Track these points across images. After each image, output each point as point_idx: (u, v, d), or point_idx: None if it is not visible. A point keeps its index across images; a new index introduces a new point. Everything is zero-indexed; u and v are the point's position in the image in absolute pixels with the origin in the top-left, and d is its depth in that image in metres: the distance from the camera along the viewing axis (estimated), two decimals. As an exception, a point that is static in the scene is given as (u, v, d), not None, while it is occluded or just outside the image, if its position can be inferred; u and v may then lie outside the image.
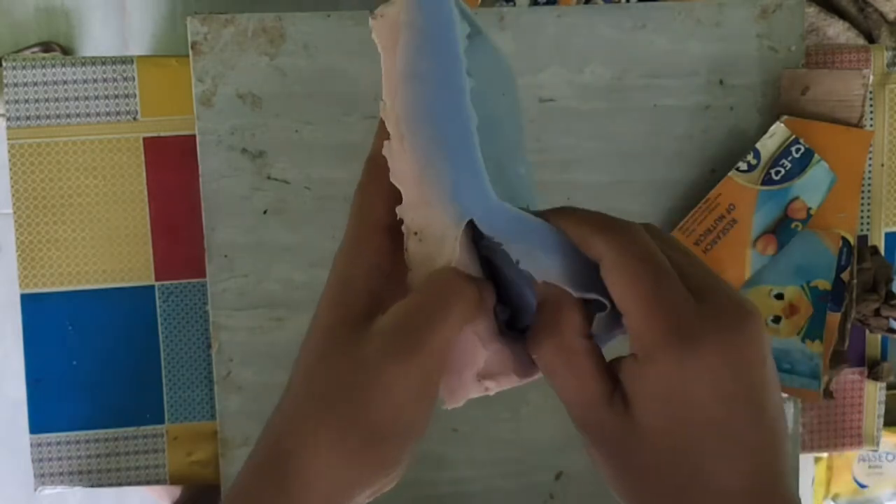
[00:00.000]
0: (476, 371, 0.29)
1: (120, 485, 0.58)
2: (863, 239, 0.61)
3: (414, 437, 0.28)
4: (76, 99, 0.57)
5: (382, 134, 0.30)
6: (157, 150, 0.57)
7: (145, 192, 0.58)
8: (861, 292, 0.58)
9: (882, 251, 0.61)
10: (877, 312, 0.59)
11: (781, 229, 0.56)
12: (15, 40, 1.23)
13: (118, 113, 0.57)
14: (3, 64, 0.57)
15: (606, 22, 0.57)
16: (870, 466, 0.89)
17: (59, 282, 0.57)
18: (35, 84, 0.57)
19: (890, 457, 0.88)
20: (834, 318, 0.57)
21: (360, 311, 0.29)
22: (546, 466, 0.59)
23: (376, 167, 0.30)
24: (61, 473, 0.58)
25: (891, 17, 0.94)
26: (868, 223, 0.62)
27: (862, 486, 0.89)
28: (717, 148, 0.58)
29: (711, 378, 0.25)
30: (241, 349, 0.56)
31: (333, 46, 0.56)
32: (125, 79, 0.57)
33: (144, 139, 0.57)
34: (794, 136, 0.55)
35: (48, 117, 0.57)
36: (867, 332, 0.61)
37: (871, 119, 0.61)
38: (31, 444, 0.58)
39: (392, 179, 0.29)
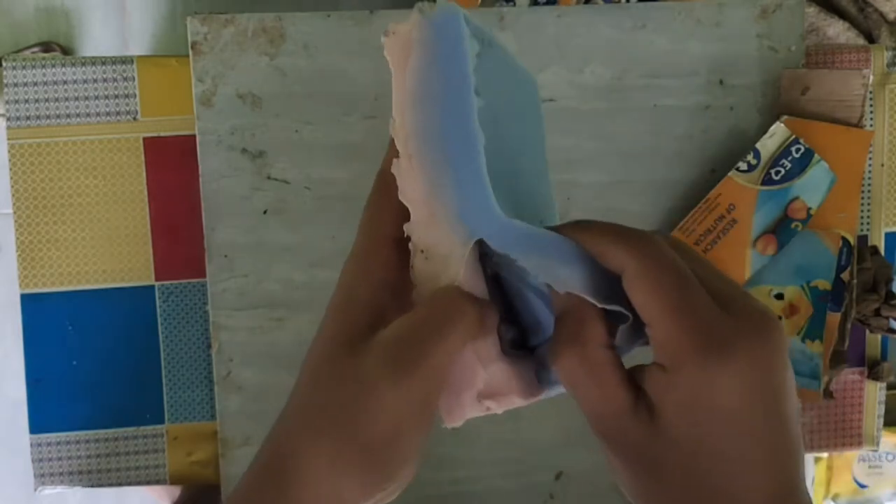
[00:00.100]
0: (475, 391, 0.29)
1: (120, 485, 0.58)
2: (863, 239, 0.61)
3: (412, 454, 0.28)
4: (76, 99, 0.57)
5: (392, 150, 0.30)
6: (157, 150, 0.57)
7: (145, 192, 0.58)
8: (861, 292, 0.58)
9: (882, 251, 0.61)
10: (877, 312, 0.59)
11: (781, 229, 0.56)
12: (15, 40, 1.23)
13: (118, 113, 0.57)
14: (3, 64, 0.57)
15: (606, 22, 0.57)
16: (870, 466, 0.89)
17: (59, 282, 0.57)
18: (35, 84, 0.57)
19: (890, 457, 0.88)
20: (834, 318, 0.57)
21: (363, 325, 0.29)
22: (546, 466, 0.59)
23: (386, 182, 0.30)
24: (61, 473, 0.58)
25: (891, 17, 0.94)
26: (868, 223, 0.62)
27: (862, 486, 0.89)
28: (717, 148, 0.58)
29: (740, 386, 0.25)
30: (241, 349, 0.56)
31: (333, 46, 0.56)
32: (125, 79, 0.57)
33: (144, 139, 0.57)
34: (794, 136, 0.55)
35: (48, 117, 0.57)
36: (867, 332, 0.61)
37: (871, 119, 0.61)
38: (31, 444, 0.58)
39: (400, 197, 0.29)
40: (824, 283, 0.57)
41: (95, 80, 0.57)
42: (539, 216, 0.33)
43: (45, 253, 0.57)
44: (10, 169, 0.57)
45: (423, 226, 0.28)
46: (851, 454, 0.88)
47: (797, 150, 0.55)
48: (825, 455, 0.91)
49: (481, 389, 0.29)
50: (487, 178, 0.28)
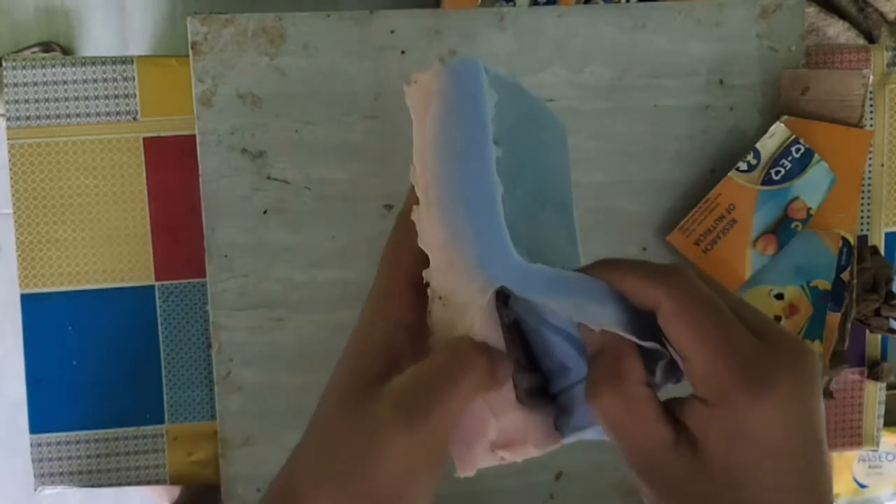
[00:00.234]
0: (488, 441, 0.29)
1: (120, 485, 0.58)
2: (863, 239, 0.61)
3: (421, 502, 0.28)
4: (76, 99, 0.57)
5: (412, 195, 0.30)
6: (157, 150, 0.57)
7: (145, 192, 0.58)
8: (861, 292, 0.58)
9: (882, 251, 0.61)
10: (877, 312, 0.59)
11: (781, 229, 0.56)
12: (15, 40, 1.23)
13: (118, 113, 0.57)
14: (3, 64, 0.57)
15: (606, 22, 0.57)
16: (870, 466, 0.89)
17: (59, 282, 0.57)
18: (35, 84, 0.57)
19: (890, 457, 0.88)
20: (834, 318, 0.57)
21: (377, 368, 0.29)
22: (546, 466, 0.59)
23: (406, 225, 0.30)
24: (61, 473, 0.58)
25: (891, 17, 0.94)
26: (868, 223, 0.62)
27: (862, 486, 0.89)
28: (717, 148, 0.58)
29: (783, 416, 0.26)
30: (241, 349, 0.56)
31: (333, 46, 0.56)
32: (125, 79, 0.57)
33: (144, 139, 0.57)
34: (794, 136, 0.55)
35: (48, 117, 0.57)
36: (867, 332, 0.61)
37: (871, 119, 0.61)
38: (31, 444, 0.58)
39: (420, 244, 0.29)
40: (824, 283, 0.57)
41: (95, 80, 0.57)
42: (563, 259, 0.34)
43: (45, 253, 0.57)
44: (10, 169, 0.57)
45: (442, 273, 0.28)
46: (851, 454, 0.88)
47: (797, 150, 0.55)
48: (825, 455, 0.91)
49: (494, 439, 0.29)
50: (505, 227, 0.28)
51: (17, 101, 0.56)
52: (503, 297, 0.28)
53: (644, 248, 0.58)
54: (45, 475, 0.58)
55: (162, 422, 0.58)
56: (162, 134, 0.57)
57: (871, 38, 0.95)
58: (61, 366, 0.58)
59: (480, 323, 0.28)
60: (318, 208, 0.56)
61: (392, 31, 0.56)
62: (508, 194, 0.29)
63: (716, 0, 0.57)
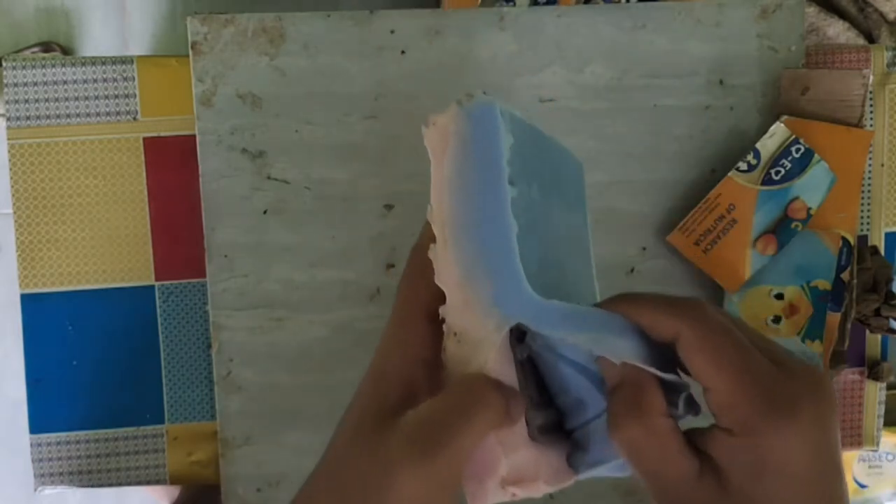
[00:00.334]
0: (499, 478, 0.29)
1: (120, 485, 0.58)
2: (863, 239, 0.61)
3: None
4: (76, 99, 0.57)
5: (428, 230, 0.31)
6: (157, 150, 0.57)
7: (145, 192, 0.58)
8: (861, 292, 0.58)
9: (882, 251, 0.61)
10: (877, 312, 0.59)
11: (781, 229, 0.56)
12: (15, 40, 1.23)
13: (118, 113, 0.57)
14: (3, 64, 0.57)
15: (606, 22, 0.57)
16: (870, 466, 0.89)
17: (59, 282, 0.57)
18: (35, 84, 0.57)
19: (890, 457, 0.88)
20: (834, 318, 0.57)
21: (392, 401, 0.29)
22: (546, 466, 0.59)
23: (421, 258, 0.31)
24: (61, 473, 0.58)
25: (891, 17, 0.94)
26: (868, 223, 0.62)
27: (862, 486, 0.89)
28: (717, 148, 0.58)
29: (807, 444, 0.26)
30: (241, 349, 0.56)
31: (333, 46, 0.56)
32: (125, 79, 0.57)
33: (144, 139, 0.57)
34: (794, 136, 0.55)
35: (48, 117, 0.57)
36: (867, 332, 0.61)
37: (871, 119, 0.61)
38: (31, 444, 0.58)
39: (437, 281, 0.29)
40: (824, 283, 0.57)
41: (95, 80, 0.57)
42: (581, 293, 0.34)
43: (45, 253, 0.57)
44: (10, 169, 0.57)
45: (458, 310, 0.29)
46: (851, 454, 0.88)
47: (797, 150, 0.55)
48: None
49: (505, 476, 0.29)
50: (520, 266, 0.28)
51: (17, 101, 0.56)
52: (519, 335, 0.29)
53: (644, 248, 0.58)
54: (45, 475, 0.58)
55: (162, 422, 0.58)
56: (162, 134, 0.57)
57: (871, 38, 0.95)
58: (61, 366, 0.58)
59: (494, 360, 0.28)
60: (318, 208, 0.56)
61: (392, 31, 0.56)
62: (523, 233, 0.29)
63: (716, 0, 0.57)
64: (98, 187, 0.57)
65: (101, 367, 0.58)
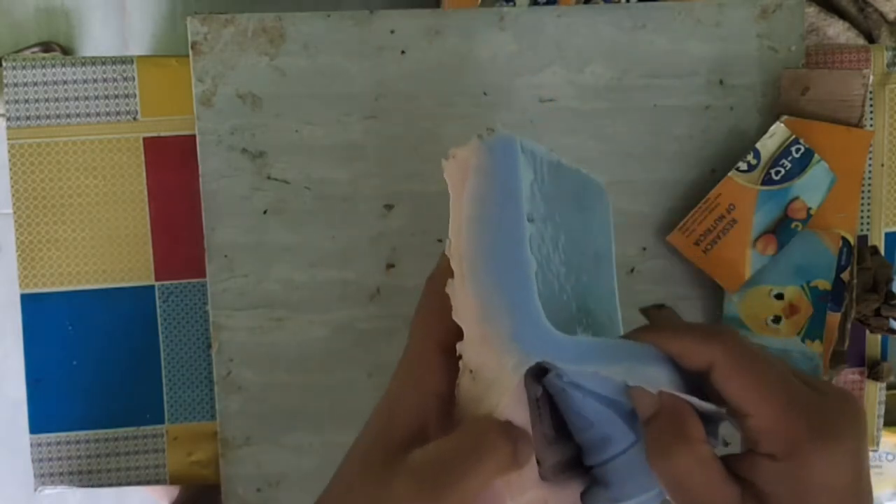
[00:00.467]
0: None
1: (120, 485, 0.58)
2: (863, 239, 0.61)
3: None
4: (76, 99, 0.57)
5: (445, 264, 0.30)
6: (157, 150, 0.57)
7: (145, 192, 0.58)
8: (861, 292, 0.58)
9: (882, 251, 0.61)
10: (877, 312, 0.59)
11: (781, 229, 0.56)
12: (15, 40, 1.23)
13: (118, 113, 0.57)
14: (3, 64, 0.57)
15: (606, 22, 0.57)
16: (870, 466, 0.88)
17: (59, 282, 0.57)
18: (35, 84, 0.57)
19: (890, 457, 0.88)
20: (834, 318, 0.57)
21: (402, 435, 0.29)
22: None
23: (437, 290, 0.30)
24: (61, 473, 0.58)
25: (891, 17, 0.94)
26: (868, 223, 0.62)
27: (862, 486, 0.89)
28: (717, 148, 0.58)
29: (848, 464, 0.27)
30: (241, 349, 0.56)
31: (333, 46, 0.56)
32: (125, 79, 0.57)
33: (144, 139, 0.57)
34: (794, 136, 0.55)
35: (48, 117, 0.57)
36: (867, 332, 0.61)
37: (871, 119, 0.61)
38: (31, 444, 0.58)
39: (454, 317, 0.29)
40: (824, 283, 0.57)
41: (95, 80, 0.57)
42: (605, 323, 0.34)
43: (45, 253, 0.57)
44: (10, 169, 0.57)
45: (476, 347, 0.28)
46: (851, 454, 0.88)
47: (797, 150, 0.55)
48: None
49: None
50: (538, 303, 0.28)
51: (17, 101, 0.56)
52: (538, 373, 0.28)
53: (644, 248, 0.58)
54: (45, 475, 0.58)
55: (162, 422, 0.58)
56: (162, 134, 0.57)
57: (871, 38, 0.95)
58: (61, 366, 0.58)
59: (507, 401, 0.28)
60: (318, 208, 0.56)
61: (392, 31, 0.56)
62: (543, 270, 0.29)
63: (716, 0, 0.57)
64: (98, 187, 0.57)
65: (101, 367, 0.58)
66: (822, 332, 0.57)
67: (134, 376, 0.58)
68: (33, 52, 1.20)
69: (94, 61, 0.57)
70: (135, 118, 0.57)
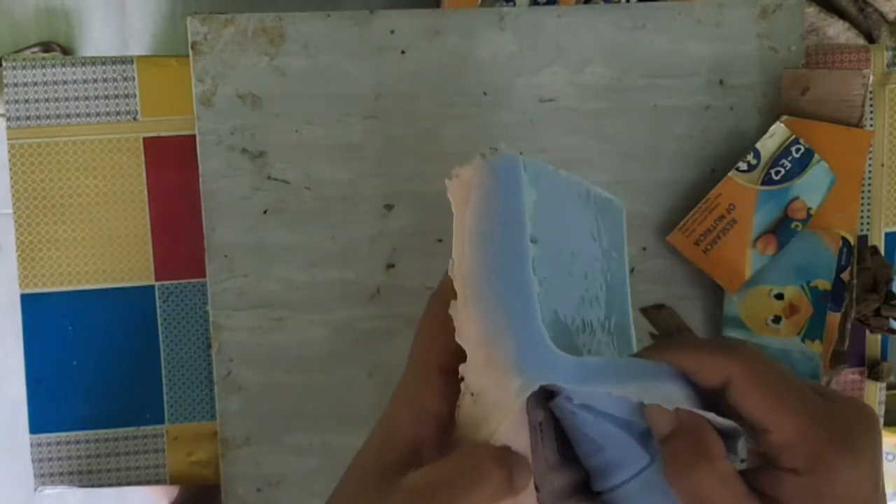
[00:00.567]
0: None
1: (120, 485, 0.58)
2: (863, 239, 0.61)
3: None
4: (76, 99, 0.57)
5: (448, 284, 0.30)
6: (157, 150, 0.57)
7: (145, 192, 0.58)
8: (861, 292, 0.58)
9: (882, 251, 0.61)
10: (877, 312, 0.59)
11: (781, 229, 0.56)
12: (15, 40, 1.23)
13: (118, 113, 0.57)
14: (3, 64, 0.57)
15: (606, 22, 0.57)
16: (870, 466, 0.88)
17: (59, 282, 0.57)
18: (35, 84, 0.57)
19: (890, 457, 0.88)
20: (834, 318, 0.57)
21: (397, 457, 0.29)
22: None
23: (438, 309, 0.30)
24: (61, 473, 0.58)
25: (891, 17, 0.94)
26: (868, 223, 0.62)
27: (862, 486, 0.89)
28: (717, 148, 0.58)
29: (870, 475, 0.27)
30: (241, 349, 0.56)
31: (333, 46, 0.56)
32: (125, 79, 0.57)
33: (144, 139, 0.57)
34: (794, 136, 0.55)
35: (48, 117, 0.57)
36: (867, 332, 0.61)
37: (871, 119, 0.61)
38: (31, 444, 0.58)
39: (457, 338, 0.29)
40: (824, 283, 0.57)
41: (95, 80, 0.57)
42: (617, 343, 0.34)
43: (45, 253, 0.57)
44: (10, 169, 0.57)
45: (478, 370, 0.28)
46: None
47: (797, 150, 0.55)
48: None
49: None
50: (542, 325, 0.28)
51: (17, 101, 0.56)
52: (544, 396, 0.28)
53: (644, 248, 0.58)
54: (45, 475, 0.58)
55: (162, 422, 0.58)
56: (162, 134, 0.57)
57: (871, 38, 0.95)
58: (61, 366, 0.58)
59: (507, 426, 0.28)
60: (318, 208, 0.56)
61: (392, 31, 0.56)
62: (548, 292, 0.29)
63: (716, 0, 0.57)
64: (98, 187, 0.57)
65: (101, 367, 0.58)
66: (822, 332, 0.57)
67: (134, 376, 0.58)
68: (33, 52, 1.20)
69: (94, 61, 0.57)
70: (135, 118, 0.57)
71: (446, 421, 0.29)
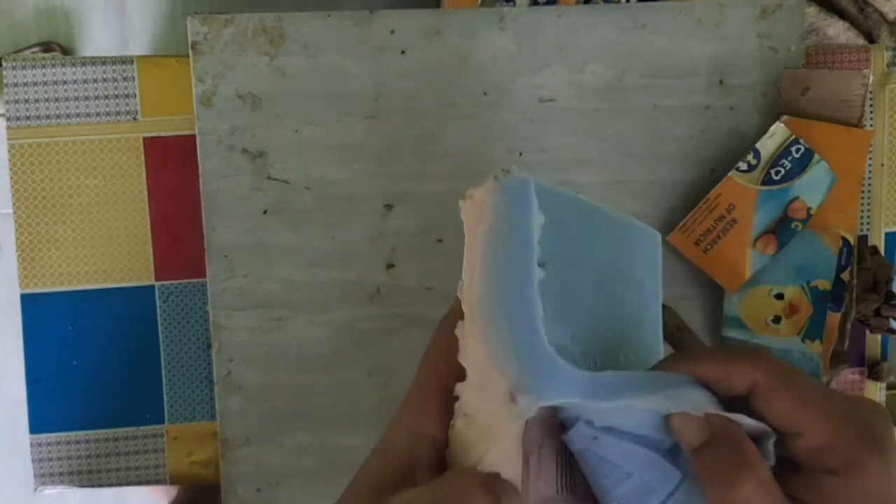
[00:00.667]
0: None
1: (120, 485, 0.58)
2: (863, 239, 0.61)
3: None
4: (76, 99, 0.57)
5: (458, 306, 0.30)
6: (157, 150, 0.57)
7: (145, 192, 0.58)
8: (861, 292, 0.58)
9: (882, 251, 0.61)
10: (877, 312, 0.59)
11: (781, 229, 0.56)
12: (15, 40, 1.23)
13: (118, 113, 0.57)
14: (3, 64, 0.57)
15: (606, 22, 0.57)
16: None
17: (59, 282, 0.57)
18: (35, 84, 0.57)
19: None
20: (834, 318, 0.57)
21: (392, 477, 0.29)
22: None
23: (447, 332, 0.30)
24: (61, 473, 0.58)
25: (891, 17, 0.94)
26: (868, 223, 0.62)
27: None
28: (717, 148, 0.58)
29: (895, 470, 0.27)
30: (241, 349, 0.56)
31: (333, 46, 0.56)
32: (125, 79, 0.57)
33: (144, 139, 0.57)
34: (794, 136, 0.55)
35: (48, 117, 0.57)
36: (867, 332, 0.61)
37: (871, 119, 0.61)
38: (31, 444, 0.58)
39: (460, 358, 0.28)
40: (824, 283, 0.57)
41: (95, 80, 0.57)
42: (641, 359, 0.34)
43: (45, 253, 0.57)
44: (10, 169, 0.57)
45: (475, 391, 0.28)
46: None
47: (797, 150, 0.55)
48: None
49: None
50: (548, 347, 0.27)
51: (17, 101, 0.56)
52: (552, 425, 0.28)
53: (644, 248, 0.58)
54: (45, 475, 0.58)
55: (162, 422, 0.58)
56: (162, 134, 0.57)
57: (871, 38, 0.95)
58: (61, 366, 0.58)
59: (498, 451, 0.27)
60: (318, 208, 0.56)
61: (392, 31, 0.56)
62: (556, 314, 0.29)
63: (716, 0, 0.57)
64: (98, 187, 0.57)
65: (101, 367, 0.58)
66: (822, 332, 0.57)
67: (134, 376, 0.58)
68: (33, 52, 1.20)
69: (94, 61, 0.57)
70: (135, 118, 0.57)
71: (442, 444, 0.29)
